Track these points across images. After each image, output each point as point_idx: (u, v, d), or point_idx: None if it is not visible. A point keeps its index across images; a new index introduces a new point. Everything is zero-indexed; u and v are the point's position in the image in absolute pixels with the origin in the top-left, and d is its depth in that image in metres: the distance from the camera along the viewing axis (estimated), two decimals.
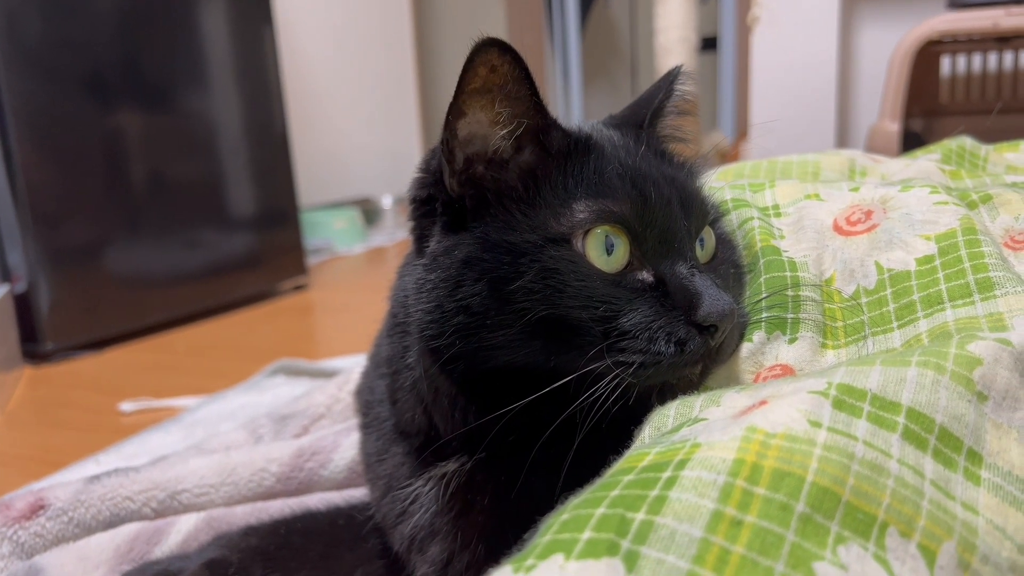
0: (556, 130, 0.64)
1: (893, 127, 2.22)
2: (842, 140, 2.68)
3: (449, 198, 0.65)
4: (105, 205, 2.30)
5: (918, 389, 0.48)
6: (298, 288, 2.86)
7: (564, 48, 4.63)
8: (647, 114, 0.73)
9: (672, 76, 0.74)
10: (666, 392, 0.61)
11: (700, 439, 0.45)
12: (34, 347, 2.13)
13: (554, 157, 0.64)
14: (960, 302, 0.60)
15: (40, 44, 2.10)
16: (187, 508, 0.97)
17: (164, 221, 2.44)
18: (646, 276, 0.61)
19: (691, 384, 0.61)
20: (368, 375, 0.86)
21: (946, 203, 0.69)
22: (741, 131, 3.64)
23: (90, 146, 2.25)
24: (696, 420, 0.51)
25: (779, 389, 0.50)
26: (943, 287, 0.62)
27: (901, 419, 0.46)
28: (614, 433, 0.60)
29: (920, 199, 0.70)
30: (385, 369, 0.78)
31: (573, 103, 4.66)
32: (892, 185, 0.73)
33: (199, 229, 2.56)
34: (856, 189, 0.74)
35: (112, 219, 2.32)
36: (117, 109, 2.32)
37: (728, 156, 3.54)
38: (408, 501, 0.73)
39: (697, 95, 2.70)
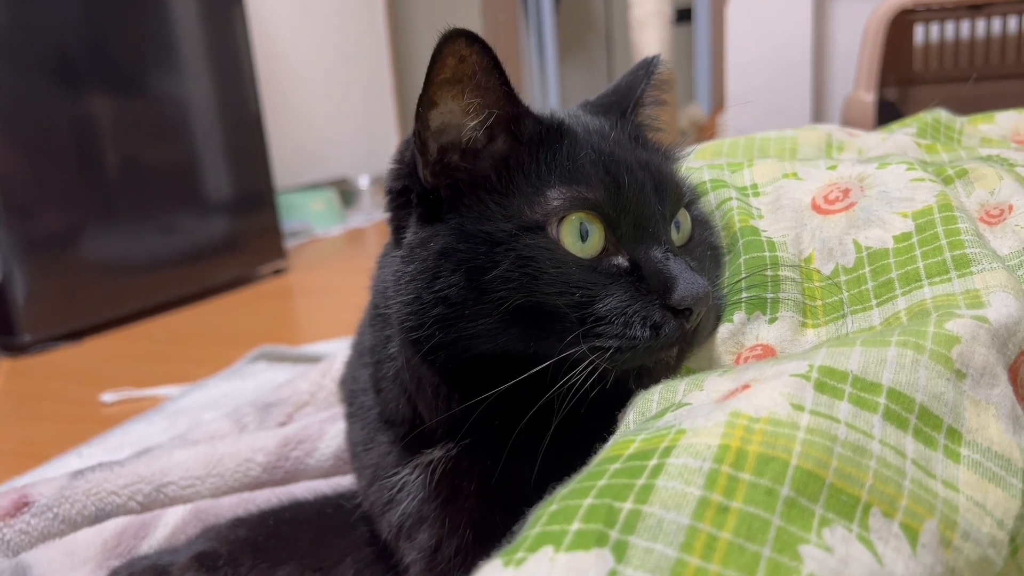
0: (528, 118, 0.64)
1: (868, 97, 2.23)
2: (818, 110, 2.68)
3: (424, 189, 0.65)
4: (78, 192, 2.27)
5: (898, 369, 0.48)
6: (277, 272, 2.85)
7: (539, 22, 4.60)
8: (630, 103, 0.73)
9: (651, 65, 0.74)
10: (643, 375, 0.61)
11: (684, 425, 0.46)
12: (11, 340, 2.11)
13: (526, 145, 0.64)
14: (937, 279, 0.61)
15: (4, 29, 2.06)
16: (173, 501, 0.96)
17: (139, 207, 2.42)
18: (621, 261, 0.62)
19: (668, 367, 0.62)
20: (352, 364, 0.86)
21: (922, 180, 0.69)
22: (717, 103, 3.64)
23: (60, 132, 2.22)
24: (679, 405, 0.51)
25: (761, 372, 0.50)
26: (920, 264, 0.63)
27: (882, 400, 0.47)
28: (596, 415, 0.60)
29: (897, 176, 0.70)
30: (368, 358, 0.78)
31: (549, 77, 4.64)
32: (869, 162, 0.74)
33: (174, 214, 2.53)
34: (833, 167, 0.74)
35: (86, 206, 2.29)
36: (87, 94, 2.28)
37: (705, 129, 3.54)
38: (395, 489, 0.74)
39: (673, 69, 2.68)
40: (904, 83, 2.55)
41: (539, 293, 0.60)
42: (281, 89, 3.47)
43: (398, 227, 0.69)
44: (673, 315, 0.59)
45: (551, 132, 0.65)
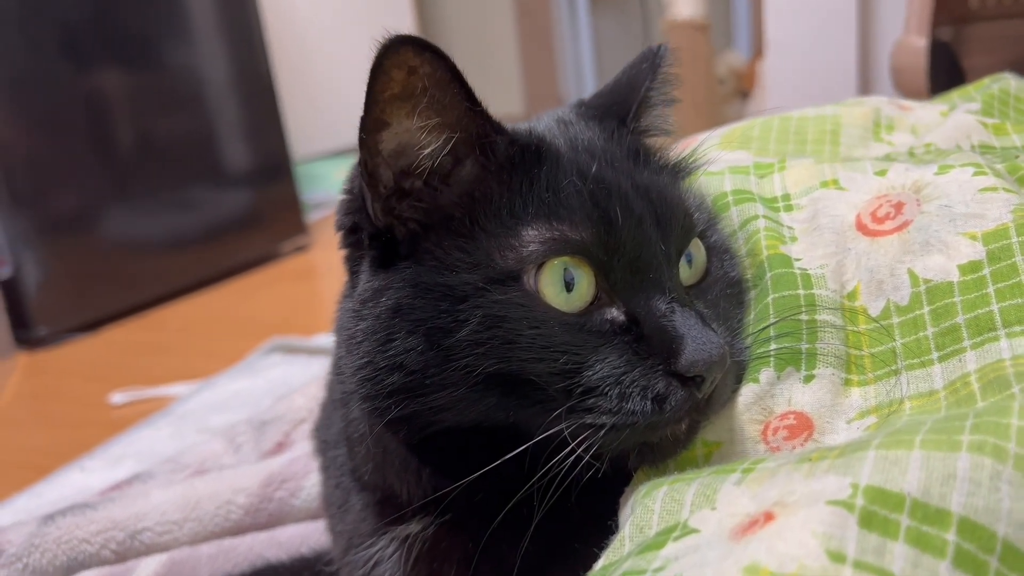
0: (500, 136, 0.52)
1: (920, 42, 2.04)
2: (864, 57, 2.49)
3: (376, 229, 0.53)
4: (89, 171, 2.19)
5: (972, 488, 0.36)
6: (299, 249, 2.74)
7: None
8: (632, 106, 0.60)
9: (657, 58, 0.60)
10: (645, 453, 0.51)
11: None
12: (26, 333, 2.05)
13: (496, 173, 0.52)
14: (1018, 328, 0.48)
15: (5, 2, 1.96)
16: (149, 549, 0.88)
17: (152, 185, 2.33)
18: (616, 315, 0.50)
19: (677, 443, 0.51)
20: (325, 409, 0.75)
21: (995, 189, 0.56)
22: (757, 49, 3.43)
23: (68, 110, 2.13)
24: (685, 530, 0.40)
25: (790, 488, 0.39)
26: (995, 307, 0.50)
27: (951, 536, 0.35)
28: (589, 496, 0.51)
29: (962, 185, 0.57)
30: (339, 409, 0.68)
31: (580, 26, 4.46)
32: (927, 165, 0.60)
33: (189, 192, 2.45)
34: (883, 172, 0.61)
35: (98, 186, 2.21)
36: (95, 68, 2.19)
37: (744, 77, 3.35)
38: (370, 564, 0.64)
39: (709, 15, 2.50)
40: (959, 21, 2.35)
41: (515, 360, 0.49)
42: (297, 53, 3.33)
43: (353, 270, 0.58)
44: (681, 383, 0.48)
45: (528, 154, 0.53)
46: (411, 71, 0.48)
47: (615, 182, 0.52)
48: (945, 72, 2.14)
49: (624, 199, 0.51)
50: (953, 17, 2.32)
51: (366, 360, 0.52)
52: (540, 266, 0.49)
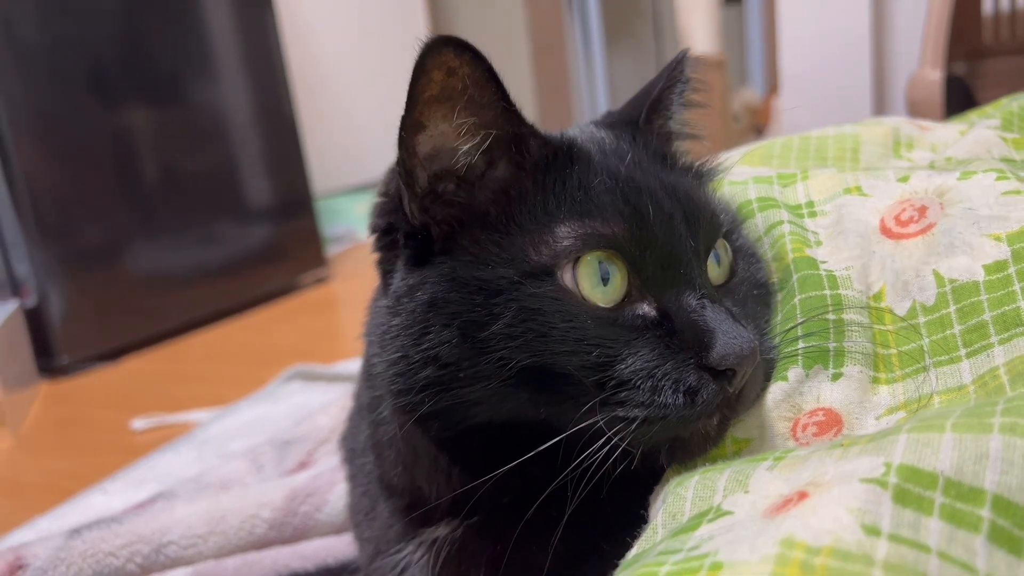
0: (533, 138, 0.54)
1: (935, 75, 2.05)
2: (879, 91, 2.51)
3: (412, 227, 0.55)
4: (114, 206, 2.23)
5: (1005, 467, 0.37)
6: (318, 281, 2.77)
7: (584, 7, 4.46)
8: (644, 109, 0.61)
9: (676, 62, 0.62)
10: (676, 449, 0.51)
11: (722, 556, 0.35)
12: (49, 361, 2.07)
13: (530, 172, 0.54)
14: None
15: (37, 41, 2.02)
16: (174, 562, 0.88)
17: (175, 219, 2.37)
18: (647, 310, 0.51)
19: (708, 439, 0.51)
20: (353, 419, 0.76)
21: (1018, 192, 0.57)
22: (772, 85, 3.47)
23: (95, 145, 2.17)
24: (718, 512, 0.40)
25: (823, 470, 0.39)
26: (1021, 303, 0.50)
27: (986, 512, 0.35)
28: (620, 494, 0.52)
29: (985, 189, 0.58)
30: (367, 416, 0.69)
31: (595, 65, 4.51)
32: (949, 172, 0.61)
33: (211, 225, 2.48)
34: (905, 179, 0.62)
35: (122, 220, 2.25)
36: (119, 105, 2.24)
37: (759, 113, 3.38)
38: (398, 569, 0.64)
39: (724, 52, 2.52)
40: (973, 56, 2.37)
41: (548, 353, 0.49)
42: (318, 90, 3.39)
43: (386, 271, 0.59)
44: (712, 377, 0.49)
45: (560, 155, 0.54)
46: (450, 72, 0.49)
47: (644, 181, 0.53)
48: (960, 106, 2.15)
49: (654, 196, 0.52)
50: (967, 52, 2.34)
51: (400, 355, 0.53)
52: (576, 261, 0.50)
